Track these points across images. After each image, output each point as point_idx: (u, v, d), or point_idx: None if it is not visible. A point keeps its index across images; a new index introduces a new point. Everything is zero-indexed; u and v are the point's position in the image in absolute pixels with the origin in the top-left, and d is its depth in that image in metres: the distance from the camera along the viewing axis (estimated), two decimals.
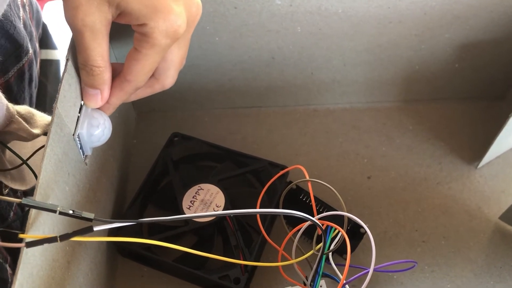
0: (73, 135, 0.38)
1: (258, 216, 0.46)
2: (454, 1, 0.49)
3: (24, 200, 0.30)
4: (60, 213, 0.31)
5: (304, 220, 0.37)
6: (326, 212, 0.45)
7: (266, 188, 0.48)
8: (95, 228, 0.32)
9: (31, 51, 0.54)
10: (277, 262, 0.43)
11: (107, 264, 0.46)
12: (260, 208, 0.47)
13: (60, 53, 0.68)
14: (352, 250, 0.45)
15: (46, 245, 0.30)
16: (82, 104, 0.39)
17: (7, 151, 0.43)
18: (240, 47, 0.53)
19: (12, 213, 0.47)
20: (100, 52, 0.36)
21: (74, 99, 0.37)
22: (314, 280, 0.42)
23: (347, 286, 0.42)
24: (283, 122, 0.59)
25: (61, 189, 0.35)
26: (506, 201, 0.50)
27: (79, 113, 0.38)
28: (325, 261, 0.42)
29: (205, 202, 0.48)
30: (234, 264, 0.44)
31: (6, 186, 0.45)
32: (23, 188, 0.46)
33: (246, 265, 0.44)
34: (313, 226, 0.44)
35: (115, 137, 0.48)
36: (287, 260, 0.43)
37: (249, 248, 0.45)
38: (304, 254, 0.42)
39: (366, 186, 0.53)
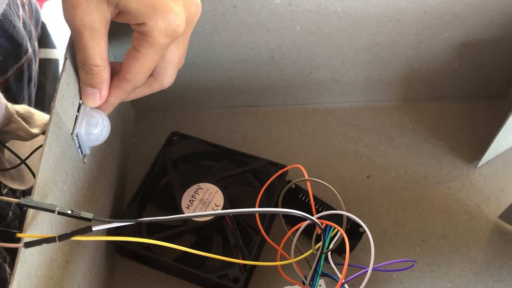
0: (72, 134, 0.37)
1: (257, 215, 0.46)
2: (454, 0, 0.49)
3: (22, 200, 0.30)
4: (59, 213, 0.31)
5: (303, 219, 0.37)
6: (325, 211, 0.45)
7: (265, 187, 0.48)
8: (94, 228, 0.32)
9: (30, 50, 0.54)
10: (276, 261, 0.43)
11: (106, 264, 0.46)
12: (259, 207, 0.47)
13: (59, 52, 0.68)
14: (351, 250, 0.46)
15: (44, 244, 0.30)
16: (80, 103, 0.38)
17: (6, 151, 0.43)
18: (239, 46, 0.53)
19: (11, 213, 0.47)
20: (98, 51, 0.36)
21: (72, 98, 0.37)
22: (313, 279, 0.42)
23: (346, 285, 0.42)
24: (282, 121, 0.59)
25: (59, 189, 0.35)
26: (506, 200, 0.50)
27: (78, 112, 0.38)
28: (324, 260, 0.42)
29: (204, 202, 0.48)
30: (233, 263, 0.43)
31: (5, 186, 0.45)
32: (22, 187, 0.46)
33: (245, 265, 0.44)
34: (312, 226, 0.44)
35: (114, 136, 0.48)
36: (286, 259, 0.42)
37: (248, 248, 0.45)
38: (303, 254, 0.42)
39: (365, 185, 0.53)
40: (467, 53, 0.54)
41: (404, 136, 0.57)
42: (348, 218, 0.43)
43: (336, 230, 0.43)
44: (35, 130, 0.43)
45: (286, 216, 0.49)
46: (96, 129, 0.39)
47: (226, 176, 0.50)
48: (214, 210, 0.47)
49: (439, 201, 0.51)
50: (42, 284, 0.32)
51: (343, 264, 0.39)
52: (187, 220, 0.47)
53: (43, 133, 0.43)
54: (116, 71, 0.39)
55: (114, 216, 0.49)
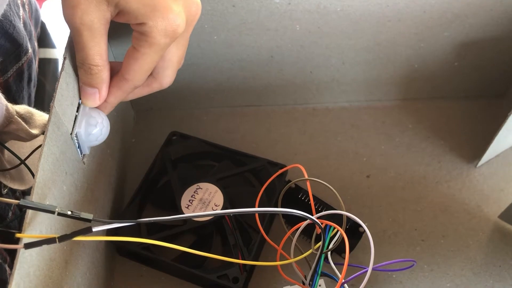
0: (71, 134, 0.37)
1: (256, 215, 0.46)
2: None
3: (22, 202, 0.30)
4: (59, 214, 0.31)
5: (303, 219, 0.37)
6: (325, 211, 0.45)
7: (265, 187, 0.48)
8: (94, 229, 0.32)
9: (30, 50, 0.54)
10: (276, 261, 0.43)
11: (105, 264, 0.46)
12: (259, 207, 0.47)
13: (58, 52, 0.67)
14: (351, 249, 0.46)
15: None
16: (80, 103, 0.38)
17: (6, 151, 0.43)
18: (238, 46, 0.53)
19: (10, 213, 0.47)
20: (98, 51, 0.36)
21: (71, 98, 0.37)
22: (313, 279, 0.42)
23: (345, 285, 0.42)
24: (282, 121, 0.59)
25: (59, 189, 0.35)
26: (506, 200, 0.50)
27: (77, 112, 0.38)
28: (324, 260, 0.42)
29: (204, 201, 0.48)
30: (232, 263, 0.43)
31: (5, 186, 0.45)
32: (22, 187, 0.46)
33: (244, 264, 0.44)
34: (312, 225, 0.44)
35: (113, 136, 0.48)
36: (286, 259, 0.42)
37: (248, 247, 0.45)
38: (303, 253, 0.42)
39: (365, 185, 0.53)
40: (467, 53, 0.54)
41: (404, 136, 0.57)
42: (348, 218, 0.43)
43: (335, 230, 0.43)
44: (35, 131, 0.43)
45: (285, 216, 0.49)
46: (96, 129, 0.39)
47: (226, 176, 0.50)
48: (213, 210, 0.47)
49: (439, 200, 0.51)
50: (41, 284, 0.31)
51: (343, 264, 0.39)
52: (187, 220, 0.47)
53: (43, 133, 0.43)
54: (115, 71, 0.38)
55: (114, 216, 0.49)
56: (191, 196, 0.48)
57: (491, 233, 0.49)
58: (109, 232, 0.46)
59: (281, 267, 0.43)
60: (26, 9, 0.57)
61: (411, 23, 0.51)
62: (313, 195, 0.46)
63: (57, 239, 0.30)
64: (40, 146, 0.41)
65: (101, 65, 0.36)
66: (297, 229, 0.44)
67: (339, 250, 0.46)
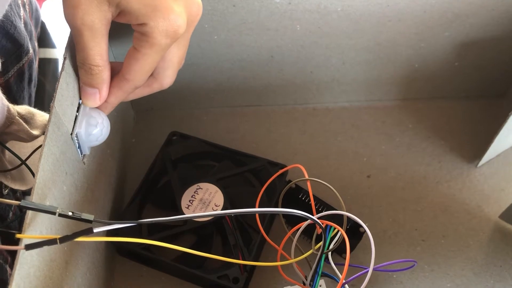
0: (71, 134, 0.37)
1: (257, 215, 0.46)
2: None
3: (22, 203, 0.30)
4: (60, 215, 0.31)
5: (303, 219, 0.37)
6: (325, 211, 0.45)
7: (265, 187, 0.48)
8: (95, 230, 0.32)
9: (31, 50, 0.54)
10: (276, 261, 0.43)
11: (105, 264, 0.45)
12: (259, 207, 0.47)
13: (58, 51, 0.67)
14: (351, 250, 0.45)
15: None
16: (80, 103, 0.38)
17: (7, 151, 0.43)
18: (238, 46, 0.53)
19: (11, 213, 0.47)
20: (99, 51, 0.36)
21: (72, 98, 0.37)
22: (313, 279, 0.42)
23: (346, 285, 0.42)
24: (282, 121, 0.59)
25: (59, 189, 0.35)
26: (506, 200, 0.50)
27: (77, 112, 0.38)
28: (325, 260, 0.42)
29: (204, 201, 0.48)
30: (233, 263, 0.43)
31: (6, 186, 0.45)
32: (23, 188, 0.46)
33: (245, 265, 0.44)
34: (312, 226, 0.44)
35: (113, 136, 0.48)
36: (286, 259, 0.42)
37: (248, 248, 0.45)
38: (303, 254, 0.42)
39: (366, 185, 0.53)
40: (467, 53, 0.54)
41: (404, 136, 0.57)
42: (348, 218, 0.43)
43: (336, 230, 0.43)
44: (35, 132, 0.43)
45: (286, 216, 0.49)
46: (96, 129, 0.39)
47: (226, 176, 0.50)
48: (214, 210, 0.47)
49: (440, 200, 0.51)
50: (42, 284, 0.31)
51: (344, 264, 0.39)
52: (187, 220, 0.47)
53: (44, 133, 0.43)
54: (116, 71, 0.38)
55: (114, 216, 0.49)
56: (191, 196, 0.48)
57: (492, 233, 0.49)
58: (110, 233, 0.46)
59: (281, 268, 0.43)
60: (27, 9, 0.57)
61: (411, 23, 0.51)
62: (313, 195, 0.46)
63: (58, 240, 0.30)
64: (40, 146, 0.41)
65: (101, 65, 0.36)
66: (298, 229, 0.44)
67: (339, 251, 0.46)
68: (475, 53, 0.54)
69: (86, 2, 0.34)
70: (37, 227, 0.31)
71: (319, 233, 0.45)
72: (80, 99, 0.38)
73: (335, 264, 0.43)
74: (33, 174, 0.42)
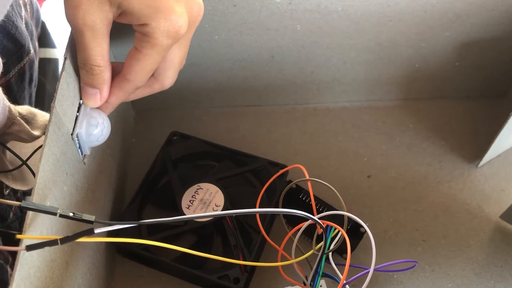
0: (72, 134, 0.37)
1: (257, 215, 0.46)
2: None
3: (23, 203, 0.30)
4: (61, 215, 0.31)
5: (304, 219, 0.37)
6: (326, 211, 0.45)
7: (265, 188, 0.48)
8: (96, 230, 0.32)
9: (32, 51, 0.54)
10: (277, 262, 0.43)
11: (106, 264, 0.45)
12: (259, 207, 0.47)
13: (58, 51, 0.67)
14: (352, 250, 0.45)
15: None
16: (80, 103, 0.38)
17: (8, 152, 0.43)
18: (239, 46, 0.53)
19: (11, 214, 0.47)
20: (100, 51, 0.36)
21: (72, 98, 0.37)
22: (314, 280, 0.42)
23: (347, 286, 0.42)
24: (283, 121, 0.59)
25: (59, 189, 0.35)
26: (507, 200, 0.50)
27: (78, 112, 0.38)
28: (325, 260, 0.42)
29: (204, 202, 0.47)
30: (233, 264, 0.43)
31: (7, 186, 0.45)
32: (24, 188, 0.46)
33: (245, 265, 0.43)
34: (313, 226, 0.44)
35: (114, 136, 0.48)
36: (286, 260, 0.42)
37: (249, 248, 0.45)
38: (304, 254, 0.42)
39: (366, 185, 0.53)
40: (468, 53, 0.54)
41: (404, 136, 0.57)
42: (349, 218, 0.43)
43: (337, 230, 0.43)
44: (36, 132, 0.43)
45: (286, 216, 0.49)
46: (97, 129, 0.39)
47: (226, 176, 0.50)
48: (214, 210, 0.47)
49: (440, 200, 0.51)
50: (42, 285, 0.31)
51: (344, 265, 0.39)
52: (187, 220, 0.46)
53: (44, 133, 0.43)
54: (117, 72, 0.38)
55: (114, 216, 0.49)
56: (192, 197, 0.48)
57: (492, 233, 0.49)
58: (110, 233, 0.46)
59: (282, 268, 0.43)
60: (28, 10, 0.57)
61: (412, 23, 0.51)
62: (314, 195, 0.46)
63: (59, 241, 0.30)
64: (40, 146, 0.41)
65: (102, 65, 0.36)
66: (298, 230, 0.43)
67: (340, 251, 0.46)
68: (476, 53, 0.54)
69: (88, 2, 0.34)
70: (37, 228, 0.31)
71: (319, 233, 0.45)
72: (81, 99, 0.38)
73: (335, 264, 0.43)
74: (34, 174, 0.42)
